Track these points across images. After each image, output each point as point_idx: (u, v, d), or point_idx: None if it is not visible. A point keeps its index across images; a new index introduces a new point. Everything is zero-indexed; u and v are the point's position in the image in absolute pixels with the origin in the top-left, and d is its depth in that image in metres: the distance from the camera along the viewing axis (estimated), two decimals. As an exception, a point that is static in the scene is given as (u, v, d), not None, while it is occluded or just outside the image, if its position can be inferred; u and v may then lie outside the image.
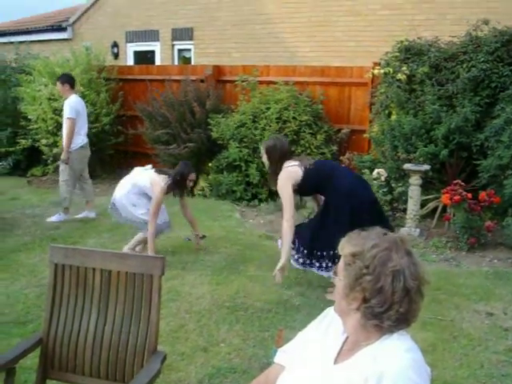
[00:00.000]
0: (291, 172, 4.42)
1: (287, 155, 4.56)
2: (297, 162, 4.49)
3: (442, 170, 6.70)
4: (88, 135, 8.68)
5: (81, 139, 6.77)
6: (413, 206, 6.20)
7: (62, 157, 6.73)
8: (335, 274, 1.65)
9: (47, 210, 7.35)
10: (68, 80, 6.78)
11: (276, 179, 4.47)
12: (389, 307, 1.50)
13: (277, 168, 4.50)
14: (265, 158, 4.63)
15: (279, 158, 4.51)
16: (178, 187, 5.24)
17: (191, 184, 5.39)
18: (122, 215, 5.33)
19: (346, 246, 1.61)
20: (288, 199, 4.37)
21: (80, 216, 6.96)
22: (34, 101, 9.02)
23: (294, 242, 4.50)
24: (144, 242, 5.41)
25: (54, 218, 6.80)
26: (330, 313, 1.78)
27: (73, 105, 6.62)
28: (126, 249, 5.36)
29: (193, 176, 5.32)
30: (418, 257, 1.60)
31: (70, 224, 6.69)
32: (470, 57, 6.55)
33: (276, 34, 10.22)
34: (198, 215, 6.95)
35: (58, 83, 6.88)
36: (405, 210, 6.44)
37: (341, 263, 1.62)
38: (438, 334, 3.88)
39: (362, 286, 1.52)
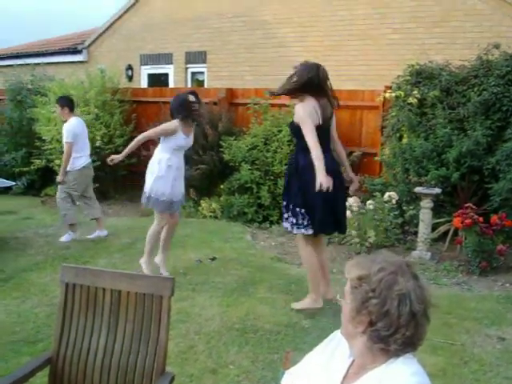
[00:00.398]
0: (311, 106, 4.27)
1: (315, 90, 4.34)
2: (319, 109, 4.30)
3: (454, 193, 6.69)
4: (101, 156, 8.82)
5: (83, 160, 6.88)
6: (424, 229, 6.18)
7: (58, 179, 6.85)
8: (341, 296, 1.67)
9: (60, 230, 7.40)
10: (67, 103, 6.87)
11: (285, 93, 4.43)
12: (395, 331, 1.50)
13: (295, 94, 4.37)
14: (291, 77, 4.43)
15: (303, 86, 4.33)
16: (188, 113, 5.20)
17: (196, 106, 5.27)
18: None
19: (353, 269, 1.62)
20: (309, 129, 4.20)
21: (92, 236, 7.01)
22: (48, 122, 9.15)
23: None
24: (154, 238, 5.41)
25: (64, 238, 6.86)
26: (336, 336, 1.79)
27: (71, 128, 6.71)
28: (142, 261, 5.38)
29: (191, 97, 5.23)
30: (424, 280, 1.61)
31: (82, 244, 6.74)
32: (481, 80, 6.58)
33: (288, 57, 10.29)
34: (209, 237, 7.01)
35: (56, 106, 6.98)
36: (416, 234, 6.42)
37: (347, 286, 1.63)
38: (448, 359, 3.84)
39: (368, 309, 1.53)
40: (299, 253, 4.80)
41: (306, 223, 4.41)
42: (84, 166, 6.89)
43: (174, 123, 5.17)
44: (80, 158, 6.82)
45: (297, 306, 4.64)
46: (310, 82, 4.33)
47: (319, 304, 4.56)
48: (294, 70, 4.45)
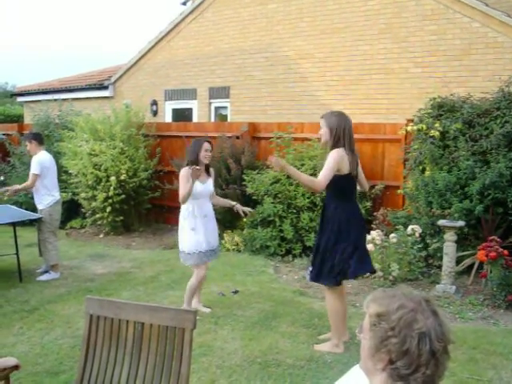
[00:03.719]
0: (343, 156, 4.28)
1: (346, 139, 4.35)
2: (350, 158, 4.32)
3: (478, 225, 6.62)
4: (126, 189, 8.95)
5: (55, 198, 6.84)
6: (448, 262, 6.11)
7: (9, 193, 6.94)
8: (360, 331, 1.66)
9: (84, 262, 7.51)
10: (34, 137, 6.89)
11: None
12: (415, 369, 1.48)
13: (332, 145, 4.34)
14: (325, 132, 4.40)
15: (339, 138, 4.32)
16: (195, 164, 5.17)
17: (208, 154, 5.26)
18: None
19: (372, 305, 1.60)
20: (328, 172, 4.23)
21: (44, 278, 6.71)
22: (75, 156, 9.34)
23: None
24: (194, 291, 5.39)
25: (43, 277, 6.69)
26: (356, 370, 1.77)
27: (39, 160, 6.71)
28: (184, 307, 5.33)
29: (206, 145, 5.25)
30: (443, 315, 1.59)
31: (106, 276, 6.80)
32: (503, 112, 6.57)
33: (310, 92, 10.43)
34: (231, 270, 7.02)
35: (26, 143, 7.00)
36: (440, 267, 6.34)
37: (366, 322, 1.61)
38: (474, 396, 3.77)
39: (387, 347, 1.51)
40: (326, 300, 4.74)
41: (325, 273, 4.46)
42: (55, 202, 6.86)
43: (184, 171, 5.20)
44: (51, 196, 6.79)
45: (318, 347, 4.60)
46: (343, 129, 4.36)
47: (340, 349, 4.50)
48: (322, 120, 4.46)
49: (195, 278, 5.31)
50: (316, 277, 4.51)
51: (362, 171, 4.71)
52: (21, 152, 10.78)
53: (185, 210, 5.28)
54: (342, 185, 4.38)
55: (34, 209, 7.21)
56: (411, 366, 1.48)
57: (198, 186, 5.22)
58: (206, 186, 5.34)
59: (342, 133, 4.32)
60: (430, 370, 1.48)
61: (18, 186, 6.93)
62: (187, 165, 5.23)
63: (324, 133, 4.41)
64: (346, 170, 4.31)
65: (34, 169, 6.68)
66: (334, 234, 4.37)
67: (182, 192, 5.14)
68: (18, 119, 18.26)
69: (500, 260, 5.59)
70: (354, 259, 4.34)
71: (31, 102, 14.77)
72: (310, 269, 4.61)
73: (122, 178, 9.00)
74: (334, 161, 4.25)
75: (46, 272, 6.81)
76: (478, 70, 8.48)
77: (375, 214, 7.49)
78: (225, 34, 11.73)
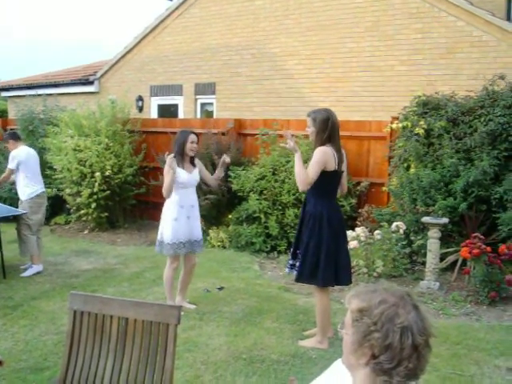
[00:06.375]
0: (329, 155, 4.32)
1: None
2: (335, 157, 4.37)
3: (462, 223, 6.68)
4: (111, 186, 8.89)
5: (35, 190, 6.84)
6: (432, 259, 6.16)
7: None
8: (342, 327, 1.67)
9: (69, 259, 7.47)
10: (10, 137, 6.95)
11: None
12: (398, 364, 1.49)
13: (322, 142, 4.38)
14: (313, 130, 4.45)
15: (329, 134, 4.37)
16: (181, 155, 5.22)
17: (194, 146, 5.27)
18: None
19: (353, 300, 1.61)
20: (316, 167, 4.31)
21: (27, 274, 6.65)
22: (59, 151, 9.26)
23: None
24: (171, 281, 5.38)
25: (26, 273, 6.64)
26: (339, 366, 1.78)
27: (15, 155, 6.77)
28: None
29: (192, 137, 5.25)
30: (424, 310, 1.60)
31: (90, 272, 6.77)
32: (487, 111, 6.63)
33: (296, 89, 10.45)
34: (216, 266, 7.02)
35: (5, 144, 7.13)
36: (424, 264, 6.39)
37: (348, 318, 1.62)
38: (457, 390, 3.81)
39: (370, 342, 1.52)
40: (316, 299, 4.73)
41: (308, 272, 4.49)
42: (37, 195, 6.87)
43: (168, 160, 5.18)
44: (32, 188, 6.81)
45: (302, 343, 4.63)
46: (331, 127, 4.40)
47: (324, 345, 4.52)
48: (309, 118, 4.49)
49: (169, 269, 5.33)
50: (308, 278, 4.51)
51: (347, 170, 4.73)
52: (4, 147, 10.68)
53: (172, 200, 5.26)
54: (325, 181, 4.40)
55: (18, 205, 7.15)
56: (394, 360, 1.49)
57: (185, 175, 5.22)
58: (193, 175, 5.33)
59: (327, 131, 4.36)
60: (413, 363, 1.49)
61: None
62: (174, 157, 5.22)
63: (311, 131, 4.44)
64: (331, 167, 4.34)
65: (9, 163, 6.80)
66: (315, 232, 4.39)
67: (165, 181, 5.15)
68: (1, 114, 18.06)
69: (483, 257, 5.64)
70: (322, 266, 4.39)
71: (15, 96, 14.62)
72: (291, 262, 4.67)
73: (107, 173, 8.95)
74: (321, 157, 4.30)
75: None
76: (463, 68, 8.55)
77: (360, 210, 7.54)
78: (211, 30, 11.70)
